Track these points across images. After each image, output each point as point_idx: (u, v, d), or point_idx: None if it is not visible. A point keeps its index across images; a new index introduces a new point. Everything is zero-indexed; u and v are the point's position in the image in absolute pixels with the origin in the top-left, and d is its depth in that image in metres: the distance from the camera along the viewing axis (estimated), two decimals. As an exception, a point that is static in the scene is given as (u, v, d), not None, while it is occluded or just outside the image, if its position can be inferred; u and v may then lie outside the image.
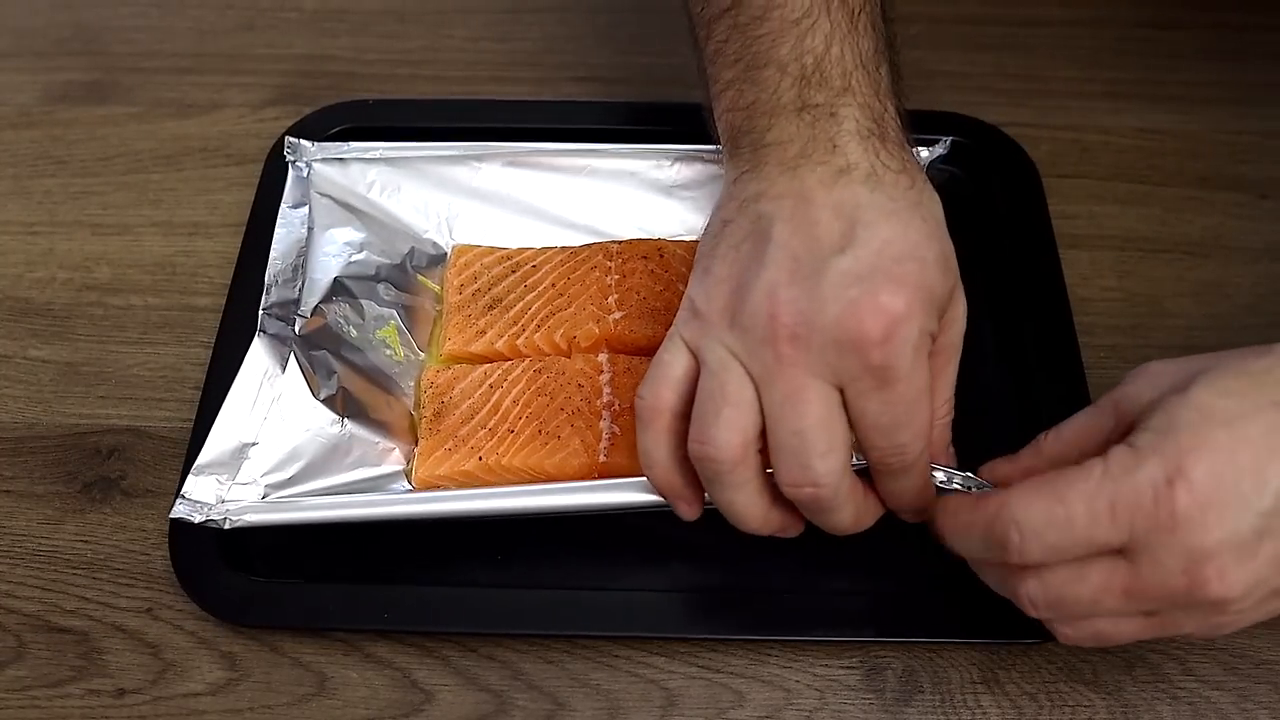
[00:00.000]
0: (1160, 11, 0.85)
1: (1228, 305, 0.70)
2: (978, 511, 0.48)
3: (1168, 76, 0.81)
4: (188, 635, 0.57)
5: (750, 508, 0.51)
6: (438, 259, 0.67)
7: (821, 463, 0.48)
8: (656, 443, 0.51)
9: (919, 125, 0.73)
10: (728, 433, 0.48)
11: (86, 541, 0.60)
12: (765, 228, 0.51)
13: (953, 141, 0.73)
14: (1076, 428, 0.52)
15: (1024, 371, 0.64)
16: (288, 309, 0.62)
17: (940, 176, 0.72)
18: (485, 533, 0.59)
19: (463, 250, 0.67)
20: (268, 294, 0.63)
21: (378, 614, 0.56)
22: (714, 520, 0.60)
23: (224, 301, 0.66)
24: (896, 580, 0.58)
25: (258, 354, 0.60)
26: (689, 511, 0.53)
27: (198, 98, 0.79)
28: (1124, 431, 0.47)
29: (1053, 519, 0.45)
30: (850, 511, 0.51)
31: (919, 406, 0.49)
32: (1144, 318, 0.69)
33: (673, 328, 0.53)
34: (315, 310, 0.62)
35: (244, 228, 0.69)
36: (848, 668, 0.57)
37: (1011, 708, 0.56)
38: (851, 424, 0.49)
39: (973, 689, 0.56)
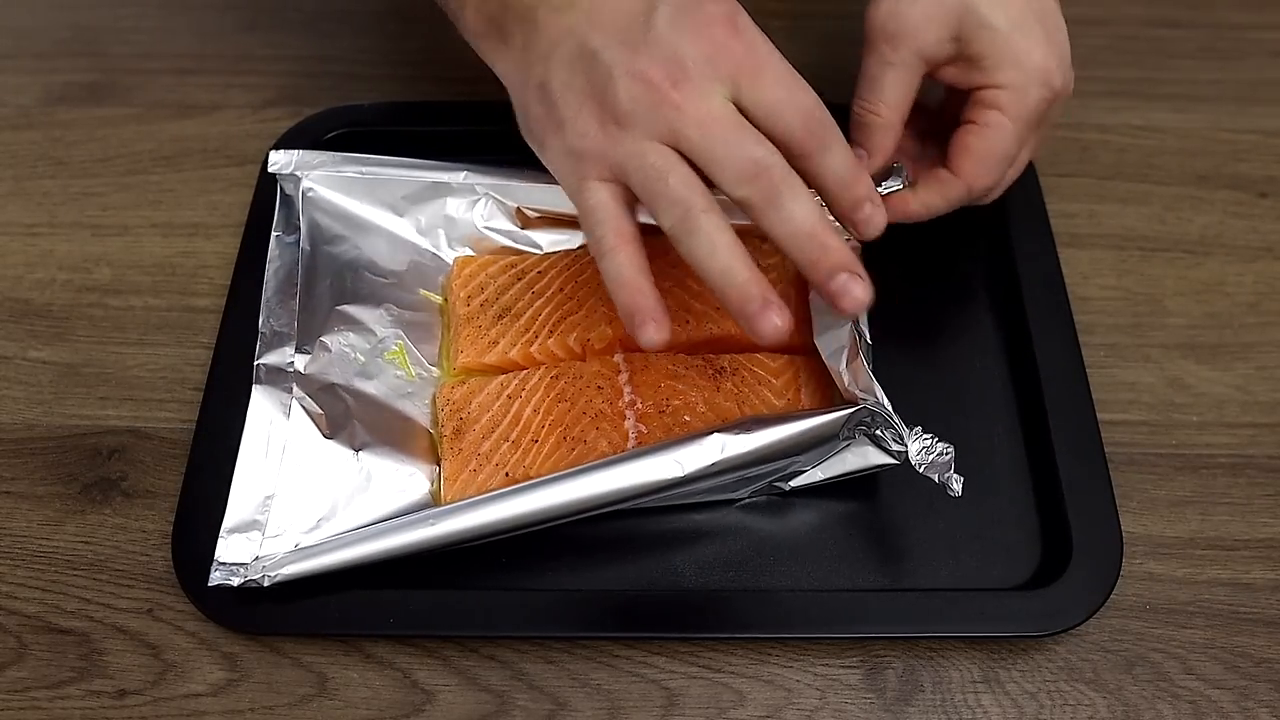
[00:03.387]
0: (1160, 11, 0.85)
1: (1227, 304, 0.70)
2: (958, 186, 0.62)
3: (1167, 75, 0.81)
4: (188, 636, 0.57)
5: (732, 245, 0.52)
6: (439, 271, 0.67)
7: (760, 147, 0.52)
8: (626, 262, 0.53)
9: None
10: (685, 189, 0.52)
11: (87, 542, 0.60)
12: (579, 49, 0.54)
13: None
14: (897, 95, 0.62)
15: (1024, 371, 0.64)
16: (285, 352, 0.61)
17: None
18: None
19: (465, 261, 0.66)
20: (262, 340, 0.62)
21: (383, 619, 0.56)
22: (715, 521, 0.60)
23: (224, 302, 0.66)
24: (896, 578, 0.58)
25: (258, 405, 0.59)
26: (658, 331, 0.52)
27: (198, 98, 0.79)
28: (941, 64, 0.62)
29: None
30: (803, 195, 0.53)
31: (796, 77, 0.54)
32: (1144, 316, 0.69)
33: (572, 184, 0.55)
34: (318, 344, 0.62)
35: (244, 228, 0.69)
36: (848, 667, 0.57)
37: (1012, 706, 0.56)
38: (760, 127, 0.53)
39: (973, 688, 0.56)
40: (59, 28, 0.83)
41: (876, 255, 0.66)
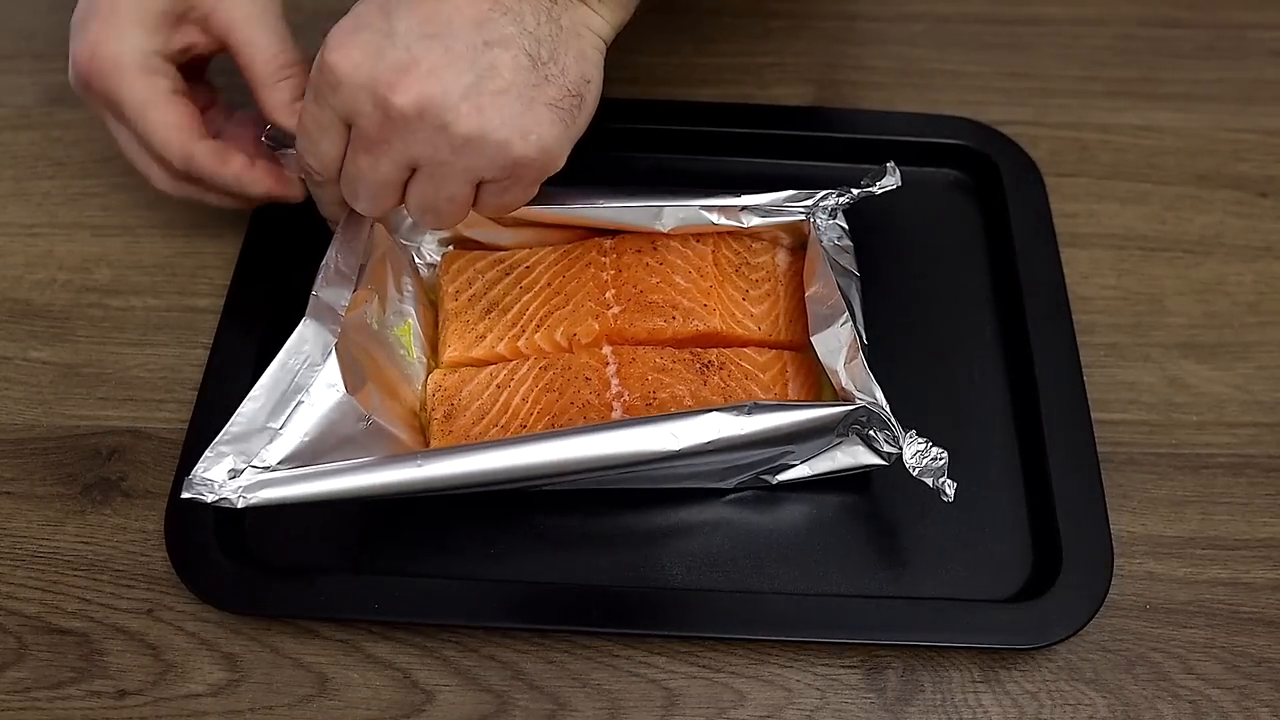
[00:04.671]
0: (1160, 10, 0.85)
1: (1227, 303, 0.70)
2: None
3: (1167, 75, 0.81)
4: (188, 636, 0.57)
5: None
6: (430, 266, 0.67)
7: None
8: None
9: (926, 129, 0.73)
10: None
11: (87, 543, 0.60)
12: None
13: (959, 146, 0.72)
14: None
15: (1022, 380, 0.64)
16: (343, 293, 0.60)
17: (945, 180, 0.73)
18: (477, 525, 0.59)
19: (454, 256, 0.66)
20: (324, 273, 0.60)
21: (368, 604, 0.56)
22: (703, 516, 0.60)
23: (223, 302, 0.66)
24: (884, 584, 0.58)
25: (303, 337, 0.57)
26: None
27: (197, 99, 0.79)
28: None
29: (302, 139, 0.56)
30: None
31: (148, 120, 0.59)
32: (1144, 316, 0.69)
33: None
34: (353, 297, 0.60)
35: (243, 228, 0.69)
36: (848, 667, 0.57)
37: (1013, 706, 0.56)
38: None
39: (974, 688, 0.56)
40: (59, 28, 0.83)
41: (878, 256, 0.67)
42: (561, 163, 0.55)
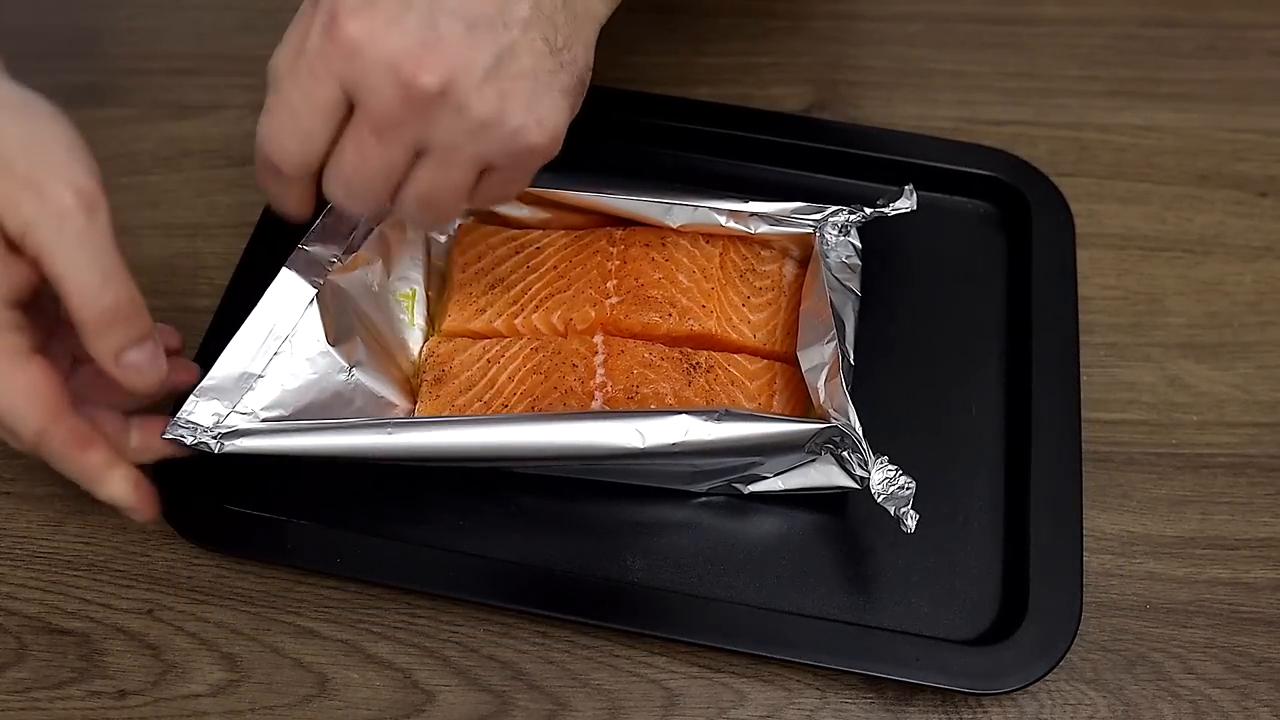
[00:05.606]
0: (1160, 10, 0.85)
1: (1227, 303, 0.70)
2: None
3: (1167, 75, 0.81)
4: (189, 637, 0.57)
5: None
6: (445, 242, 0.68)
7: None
8: None
9: (961, 159, 0.72)
10: None
11: (87, 543, 0.60)
12: None
13: (991, 178, 0.71)
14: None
15: (1018, 419, 0.63)
16: (331, 249, 0.61)
17: (975, 210, 0.71)
18: (453, 497, 0.60)
19: (470, 228, 0.67)
20: (315, 230, 0.61)
21: (330, 559, 0.57)
22: (673, 516, 0.60)
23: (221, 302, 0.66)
24: (842, 609, 0.57)
25: (281, 286, 0.59)
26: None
27: (196, 99, 0.79)
28: None
29: (280, 121, 0.50)
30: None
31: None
32: (1144, 316, 0.69)
33: None
34: (354, 257, 0.62)
35: (242, 229, 0.69)
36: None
37: (1013, 706, 0.56)
38: None
39: (974, 688, 0.56)
40: (58, 29, 0.83)
41: (893, 278, 0.66)
42: (558, 150, 0.54)
